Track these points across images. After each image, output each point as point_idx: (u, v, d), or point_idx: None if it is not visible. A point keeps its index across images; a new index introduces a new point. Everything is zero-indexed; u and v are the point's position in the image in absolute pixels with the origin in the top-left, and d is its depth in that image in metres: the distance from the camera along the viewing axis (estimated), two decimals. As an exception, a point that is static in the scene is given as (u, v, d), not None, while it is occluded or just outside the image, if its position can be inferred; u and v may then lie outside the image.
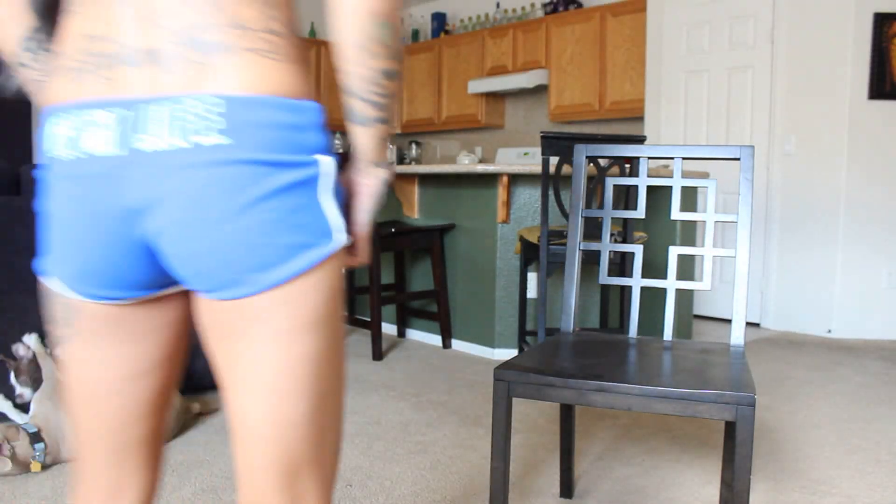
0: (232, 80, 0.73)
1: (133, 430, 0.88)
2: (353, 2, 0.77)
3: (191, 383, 2.93)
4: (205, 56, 0.73)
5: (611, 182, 2.05)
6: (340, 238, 0.80)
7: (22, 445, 2.13)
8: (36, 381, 2.33)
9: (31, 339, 2.37)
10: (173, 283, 0.84)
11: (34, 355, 2.35)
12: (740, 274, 1.86)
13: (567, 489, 2.09)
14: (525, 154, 6.55)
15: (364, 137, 0.85)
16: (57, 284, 0.83)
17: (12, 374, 2.33)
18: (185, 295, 0.89)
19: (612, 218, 3.70)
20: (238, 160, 0.72)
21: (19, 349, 2.35)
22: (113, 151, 0.74)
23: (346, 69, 0.81)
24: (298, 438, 0.81)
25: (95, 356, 0.84)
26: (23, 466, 2.14)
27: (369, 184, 0.88)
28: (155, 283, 0.82)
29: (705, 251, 1.92)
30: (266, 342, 0.78)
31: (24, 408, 2.39)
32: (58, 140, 0.77)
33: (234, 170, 0.72)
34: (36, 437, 2.15)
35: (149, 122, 0.73)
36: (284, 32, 0.77)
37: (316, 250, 0.77)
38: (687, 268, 4.35)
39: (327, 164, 0.78)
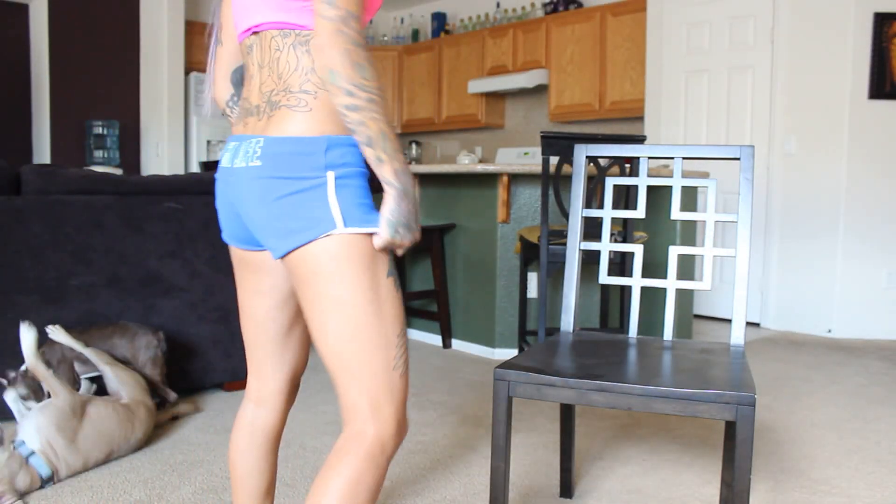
0: (274, 127, 1.19)
1: (282, 337, 1.41)
2: (318, 65, 1.11)
3: (187, 384, 2.93)
4: (271, 110, 1.20)
5: (611, 182, 2.05)
6: (341, 225, 1.15)
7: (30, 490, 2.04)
8: (35, 391, 2.33)
9: (27, 332, 2.23)
10: None
11: (23, 373, 2.32)
12: (740, 274, 1.86)
13: (567, 489, 2.09)
14: (525, 154, 6.55)
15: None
16: (226, 238, 1.37)
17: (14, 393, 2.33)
18: None
19: (612, 218, 3.70)
20: (265, 176, 1.17)
21: (10, 372, 2.34)
22: (227, 167, 1.25)
23: None
24: (336, 352, 1.19)
25: (248, 287, 1.39)
26: None
27: (385, 196, 1.17)
28: (256, 241, 1.31)
29: (705, 251, 1.92)
30: (299, 284, 1.20)
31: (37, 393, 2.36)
32: (221, 157, 1.30)
33: (263, 181, 1.17)
34: (48, 481, 2.06)
35: (240, 151, 1.22)
36: (314, 90, 1.18)
37: (316, 229, 1.15)
38: (687, 268, 4.35)
39: (331, 177, 1.16)
